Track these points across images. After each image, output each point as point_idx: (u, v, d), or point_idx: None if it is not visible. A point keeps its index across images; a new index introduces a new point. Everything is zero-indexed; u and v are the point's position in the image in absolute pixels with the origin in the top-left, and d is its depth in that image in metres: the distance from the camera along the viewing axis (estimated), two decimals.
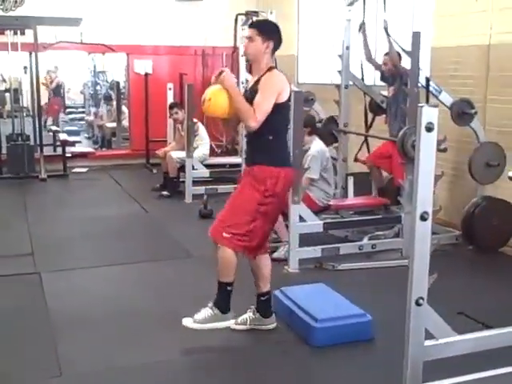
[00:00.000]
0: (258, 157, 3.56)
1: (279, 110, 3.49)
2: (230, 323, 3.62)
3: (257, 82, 3.53)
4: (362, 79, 6.32)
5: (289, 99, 3.59)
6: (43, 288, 4.53)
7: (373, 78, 6.93)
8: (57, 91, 14.99)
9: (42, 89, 11.33)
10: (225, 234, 3.48)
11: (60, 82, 15.13)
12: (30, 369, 3.37)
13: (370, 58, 6.19)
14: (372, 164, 6.26)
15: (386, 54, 5.90)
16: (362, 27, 6.07)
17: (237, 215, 3.51)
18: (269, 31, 3.59)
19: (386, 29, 5.61)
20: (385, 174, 6.33)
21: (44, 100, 12.56)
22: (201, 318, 3.56)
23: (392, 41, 5.61)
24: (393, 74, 5.89)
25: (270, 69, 3.54)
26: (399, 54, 5.70)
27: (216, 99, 3.46)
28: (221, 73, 3.47)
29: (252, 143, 3.65)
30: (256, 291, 3.76)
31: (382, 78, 6.21)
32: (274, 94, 3.45)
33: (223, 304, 3.58)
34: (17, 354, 3.53)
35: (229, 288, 3.58)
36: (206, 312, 3.57)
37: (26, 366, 3.40)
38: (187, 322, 3.57)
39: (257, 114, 3.39)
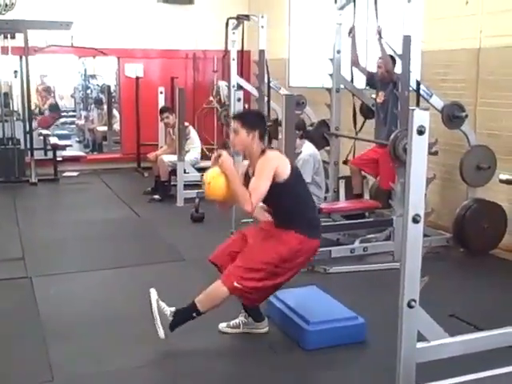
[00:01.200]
0: (289, 224, 3.54)
1: (288, 187, 3.49)
2: (161, 336, 3.48)
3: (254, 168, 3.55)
4: (352, 81, 6.33)
5: (292, 174, 3.52)
6: (34, 292, 4.51)
7: (364, 81, 6.94)
8: (53, 108, 14.70)
9: (33, 101, 11.21)
10: (236, 284, 3.42)
11: (54, 102, 14.82)
12: (21, 373, 3.36)
13: (356, 63, 6.20)
14: (357, 167, 6.24)
15: (381, 58, 5.89)
16: (351, 31, 6.08)
17: (252, 271, 3.44)
18: (252, 122, 3.58)
19: (379, 33, 5.61)
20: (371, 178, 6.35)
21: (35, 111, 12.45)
22: (158, 310, 3.51)
23: (385, 46, 5.61)
24: (384, 78, 5.89)
25: (262, 152, 3.55)
26: (393, 59, 5.60)
27: (215, 183, 3.49)
28: (220, 156, 3.47)
29: (278, 215, 3.64)
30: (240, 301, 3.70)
31: (369, 83, 6.22)
32: (270, 174, 3.44)
33: (176, 321, 3.50)
34: (8, 358, 3.51)
35: (194, 315, 3.49)
36: (166, 311, 3.51)
37: (18, 371, 3.38)
38: (153, 295, 3.57)
39: (252, 198, 3.39)
